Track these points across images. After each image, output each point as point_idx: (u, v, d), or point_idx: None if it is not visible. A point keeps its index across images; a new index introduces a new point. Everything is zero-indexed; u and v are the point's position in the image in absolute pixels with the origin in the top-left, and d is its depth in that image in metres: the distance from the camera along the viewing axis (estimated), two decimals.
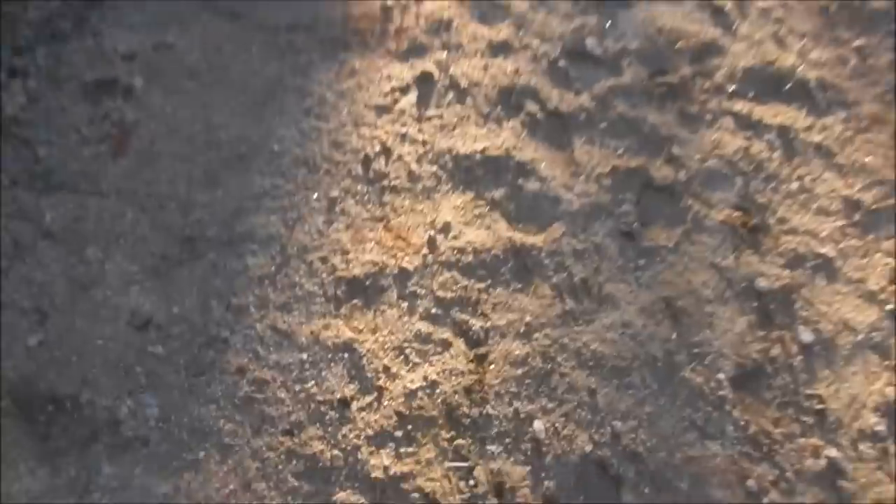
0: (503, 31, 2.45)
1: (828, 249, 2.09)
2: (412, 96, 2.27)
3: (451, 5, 2.48)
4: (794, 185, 2.21)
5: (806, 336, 1.96)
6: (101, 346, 1.75)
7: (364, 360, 1.80)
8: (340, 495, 1.63)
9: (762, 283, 2.02)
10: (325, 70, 2.30)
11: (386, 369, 1.79)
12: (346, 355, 1.80)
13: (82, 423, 1.65)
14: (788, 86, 2.42)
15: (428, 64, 2.34)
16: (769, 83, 2.43)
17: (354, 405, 1.74)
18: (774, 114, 2.35)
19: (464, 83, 2.31)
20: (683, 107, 2.35)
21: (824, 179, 2.22)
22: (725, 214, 2.14)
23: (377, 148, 2.14)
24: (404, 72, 2.31)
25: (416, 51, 2.37)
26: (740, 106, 2.36)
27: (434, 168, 2.13)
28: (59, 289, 1.81)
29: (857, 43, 2.49)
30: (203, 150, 2.08)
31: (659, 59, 2.45)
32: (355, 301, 1.88)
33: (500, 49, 2.40)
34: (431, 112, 2.25)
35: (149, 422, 1.67)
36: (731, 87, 2.40)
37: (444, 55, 2.36)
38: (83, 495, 1.58)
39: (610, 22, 2.51)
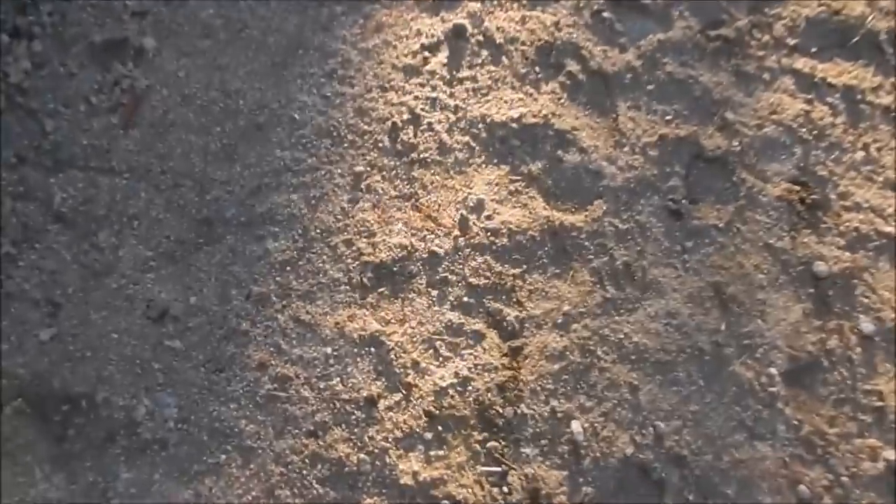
0: None
1: (893, 228, 1.92)
2: (443, 55, 2.10)
3: None
4: (859, 155, 2.03)
5: (866, 326, 1.82)
6: (117, 341, 1.67)
7: (392, 355, 1.70)
8: (368, 502, 1.56)
9: (820, 267, 1.87)
10: (350, 24, 2.13)
11: (415, 364, 1.70)
12: (372, 349, 1.71)
13: (98, 424, 1.59)
14: (856, 39, 2.20)
15: (460, 16, 2.15)
16: (834, 36, 2.21)
17: (382, 404, 1.65)
18: (839, 72, 2.15)
19: (499, 39, 2.13)
20: (739, 64, 2.15)
21: (892, 148, 2.03)
22: (782, 189, 1.97)
23: (405, 115, 1.99)
24: (435, 26, 2.13)
25: (447, 1, 2.19)
26: (801, 63, 2.15)
27: (466, 138, 1.98)
28: (70, 277, 1.72)
29: None
30: (220, 120, 1.94)
31: (713, 7, 2.24)
32: (382, 288, 1.77)
33: None
34: (464, 73, 2.08)
35: (167, 423, 1.60)
36: (793, 41, 2.19)
37: (477, 5, 2.17)
38: (101, 503, 1.52)
39: None
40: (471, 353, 1.71)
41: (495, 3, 2.18)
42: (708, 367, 1.74)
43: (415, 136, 1.97)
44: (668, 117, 2.04)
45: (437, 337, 1.73)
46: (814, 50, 2.18)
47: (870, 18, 2.22)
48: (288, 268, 1.78)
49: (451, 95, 2.05)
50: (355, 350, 1.70)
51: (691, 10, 2.22)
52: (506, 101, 2.04)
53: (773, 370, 1.75)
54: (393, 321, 1.74)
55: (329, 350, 1.70)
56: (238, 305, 1.73)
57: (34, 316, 1.68)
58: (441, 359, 1.71)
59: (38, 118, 1.90)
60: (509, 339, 1.74)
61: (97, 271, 1.73)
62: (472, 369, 1.69)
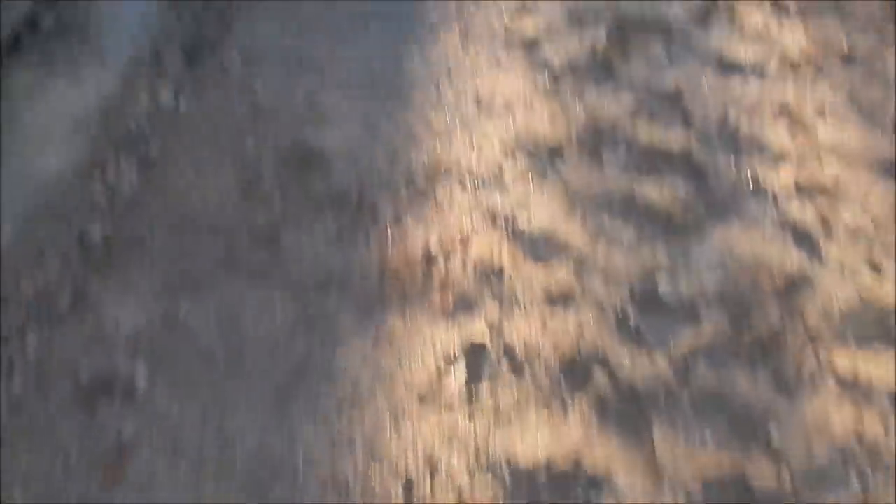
0: (562, 274, 1.74)
1: None
2: (461, 374, 1.58)
3: (503, 245, 1.77)
4: None
5: None
6: None
7: None
8: None
9: None
10: (360, 337, 1.62)
11: None
12: None
13: None
14: (892, 324, 1.69)
15: (478, 325, 1.65)
16: (869, 324, 1.70)
17: None
18: (883, 370, 1.62)
19: (520, 352, 1.61)
20: (778, 367, 1.62)
21: None
22: None
23: (421, 463, 1.45)
24: (451, 339, 1.62)
25: (464, 306, 1.68)
26: (842, 360, 1.63)
27: (489, 486, 1.43)
28: None
29: None
30: (213, 477, 1.41)
31: (742, 301, 1.73)
32: None
33: (559, 299, 1.70)
34: (483, 393, 1.55)
35: None
36: (829, 333, 1.68)
37: (496, 312, 1.67)
38: None
39: (682, 257, 1.79)
40: None
41: (514, 305, 1.68)
42: None
43: (431, 488, 1.43)
44: (707, 442, 1.50)
45: None
46: (852, 341, 1.66)
47: None
48: None
49: (471, 421, 1.52)
50: None
51: (719, 304, 1.72)
52: (531, 430, 1.50)
53: None
54: None
55: None
56: None
57: None
58: None
59: (10, 489, 1.36)
60: None
61: None
62: None
